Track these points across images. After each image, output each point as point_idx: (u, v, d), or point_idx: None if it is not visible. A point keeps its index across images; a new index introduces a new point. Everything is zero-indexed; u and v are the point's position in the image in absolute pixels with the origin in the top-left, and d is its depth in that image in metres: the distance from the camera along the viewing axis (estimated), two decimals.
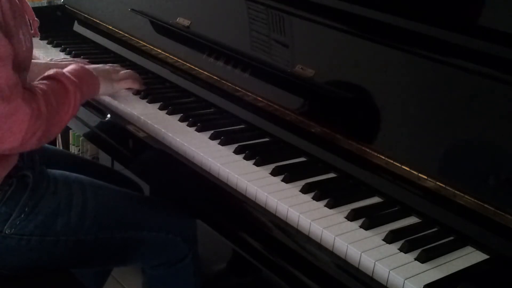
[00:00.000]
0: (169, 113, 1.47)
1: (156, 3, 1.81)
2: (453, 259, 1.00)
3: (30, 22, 1.24)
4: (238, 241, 1.21)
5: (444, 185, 1.08)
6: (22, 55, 1.16)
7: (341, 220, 1.08)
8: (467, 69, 1.13)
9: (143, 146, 1.41)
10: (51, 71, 1.26)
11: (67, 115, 1.22)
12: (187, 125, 1.41)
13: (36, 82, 1.22)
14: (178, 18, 1.68)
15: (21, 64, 1.17)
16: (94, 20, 1.98)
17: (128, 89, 1.56)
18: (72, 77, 1.25)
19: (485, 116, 1.09)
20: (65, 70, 1.29)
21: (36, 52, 1.29)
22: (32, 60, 1.51)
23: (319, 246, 1.04)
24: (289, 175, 1.20)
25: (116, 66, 1.55)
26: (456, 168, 1.10)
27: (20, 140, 1.11)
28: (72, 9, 2.10)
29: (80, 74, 1.30)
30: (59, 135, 2.45)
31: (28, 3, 1.25)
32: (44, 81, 1.22)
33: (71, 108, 1.22)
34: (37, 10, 1.48)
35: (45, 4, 2.21)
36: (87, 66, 1.40)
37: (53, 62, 1.62)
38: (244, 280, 1.98)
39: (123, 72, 1.52)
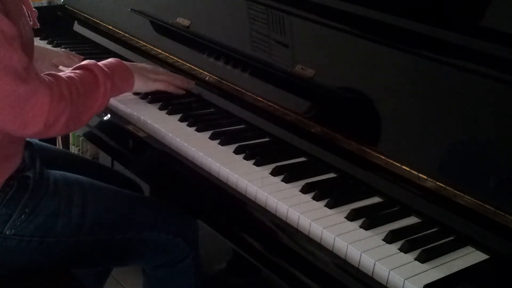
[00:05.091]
0: (169, 113, 1.47)
1: (156, 3, 1.81)
2: (453, 259, 1.00)
3: (28, 13, 1.24)
4: (238, 241, 1.21)
5: (444, 185, 1.08)
6: (23, 45, 1.13)
7: (341, 220, 1.08)
8: (467, 69, 1.13)
9: (143, 146, 1.41)
10: (84, 62, 1.29)
11: (96, 103, 1.23)
12: (187, 125, 1.41)
13: (63, 72, 1.23)
14: (178, 18, 1.68)
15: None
16: (94, 20, 1.98)
17: None
18: (104, 68, 1.28)
19: (485, 116, 1.10)
20: (101, 62, 1.31)
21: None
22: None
23: (319, 246, 1.04)
24: (289, 175, 1.20)
25: (157, 67, 1.56)
26: (456, 168, 1.10)
27: (42, 123, 1.09)
28: (72, 9, 2.10)
29: (113, 66, 1.32)
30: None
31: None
32: (73, 70, 1.24)
33: (101, 96, 1.24)
34: (37, 10, 1.48)
35: (45, 4, 2.21)
36: (125, 62, 1.41)
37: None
38: (244, 280, 1.98)
39: (162, 73, 1.52)
